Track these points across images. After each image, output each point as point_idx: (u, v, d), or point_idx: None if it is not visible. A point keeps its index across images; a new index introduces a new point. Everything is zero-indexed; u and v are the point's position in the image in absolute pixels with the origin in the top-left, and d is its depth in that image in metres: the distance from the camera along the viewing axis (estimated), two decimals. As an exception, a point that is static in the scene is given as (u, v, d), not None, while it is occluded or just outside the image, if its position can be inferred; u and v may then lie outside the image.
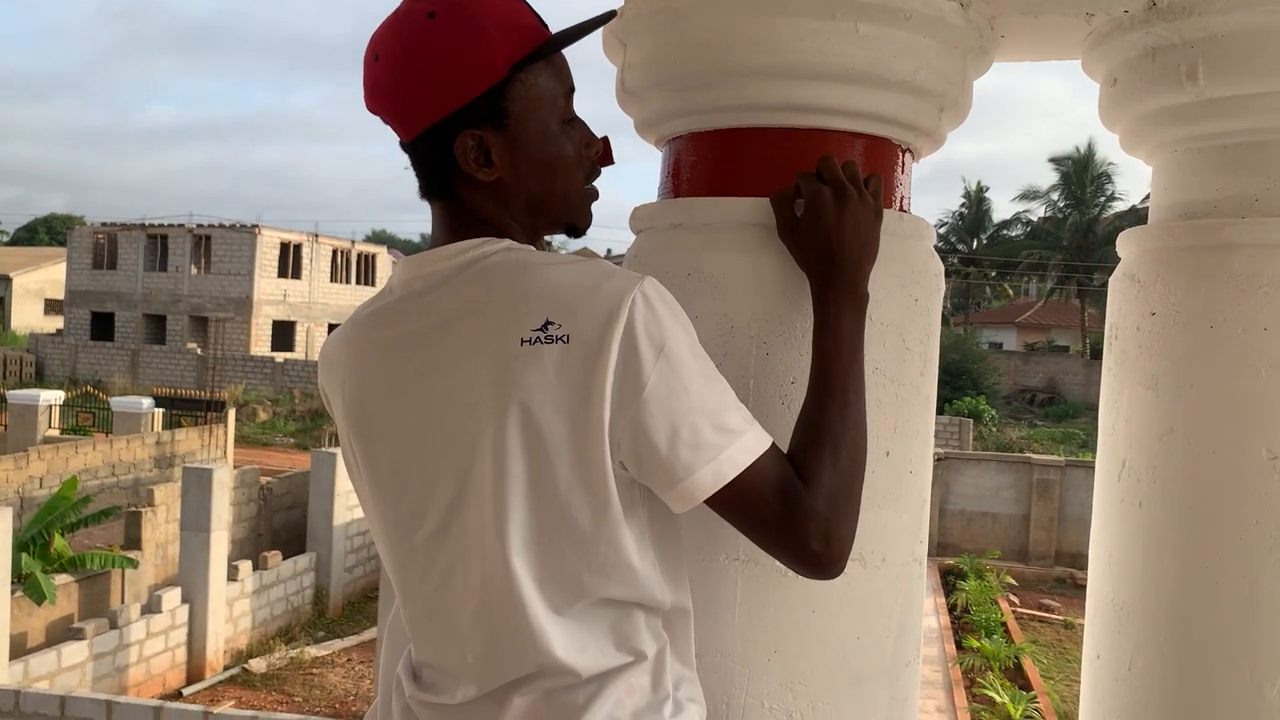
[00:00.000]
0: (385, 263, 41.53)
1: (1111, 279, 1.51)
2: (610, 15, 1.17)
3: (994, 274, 47.32)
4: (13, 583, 10.05)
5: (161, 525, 12.58)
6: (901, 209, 1.36)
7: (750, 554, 1.23)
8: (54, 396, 21.40)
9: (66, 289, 39.62)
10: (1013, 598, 15.20)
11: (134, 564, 11.65)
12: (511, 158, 1.13)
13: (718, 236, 1.29)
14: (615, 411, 1.03)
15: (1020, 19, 1.38)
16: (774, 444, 1.09)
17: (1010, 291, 48.85)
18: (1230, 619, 1.31)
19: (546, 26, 1.14)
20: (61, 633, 10.43)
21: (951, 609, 14.10)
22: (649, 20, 1.35)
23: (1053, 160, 43.02)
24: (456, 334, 1.09)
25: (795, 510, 1.07)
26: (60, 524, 11.75)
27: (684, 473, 1.04)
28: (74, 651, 9.98)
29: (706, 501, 1.06)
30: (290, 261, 38.09)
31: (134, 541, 12.29)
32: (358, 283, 40.60)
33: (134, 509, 12.74)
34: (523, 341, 1.04)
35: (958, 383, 30.10)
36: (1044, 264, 42.62)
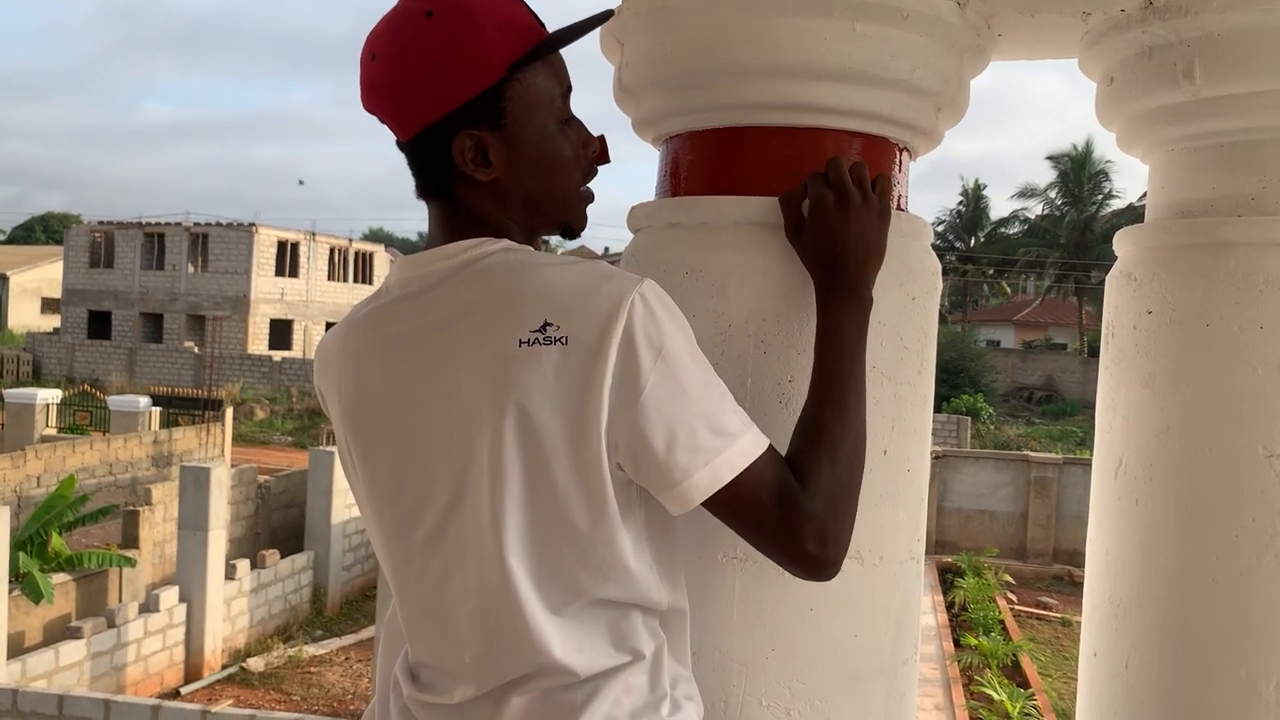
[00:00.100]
0: (382, 261, 41.51)
1: (1108, 277, 1.51)
2: (608, 14, 1.17)
3: (991, 272, 47.33)
4: (10, 582, 10.04)
5: (159, 524, 12.57)
6: (899, 207, 1.36)
7: (748, 552, 1.23)
8: (51, 395, 21.38)
9: (63, 288, 39.58)
10: (1010, 595, 15.22)
11: (131, 563, 11.64)
12: (509, 158, 1.13)
13: (715, 235, 1.29)
14: (613, 413, 1.03)
15: (1017, 18, 1.38)
16: (771, 446, 1.09)
17: (1008, 289, 48.88)
18: (1227, 616, 1.32)
19: (544, 26, 1.14)
20: (59, 632, 10.43)
21: (949, 607, 14.11)
22: (646, 19, 1.35)
23: (1050, 158, 43.06)
24: (454, 334, 1.09)
25: (792, 512, 1.07)
26: (58, 523, 11.74)
27: (681, 475, 1.04)
28: (71, 650, 9.97)
29: (704, 504, 1.07)
30: (287, 260, 38.06)
31: (131, 540, 12.28)
32: (355, 281, 40.57)
33: (131, 508, 12.73)
34: (521, 342, 1.04)
35: (955, 381, 30.12)
36: (1041, 262, 42.63)
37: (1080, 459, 17.94)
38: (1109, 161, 41.78)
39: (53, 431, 20.43)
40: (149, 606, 11.10)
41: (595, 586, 1.08)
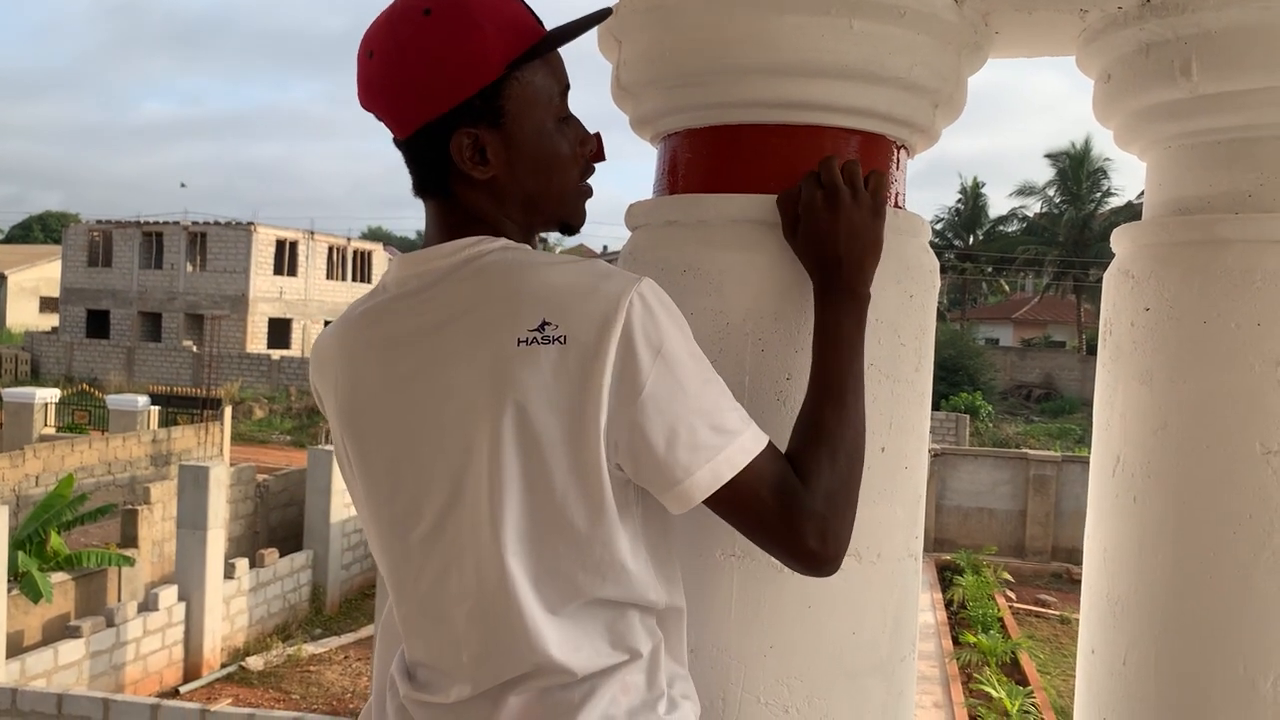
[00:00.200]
0: (381, 260, 41.49)
1: (1106, 274, 1.52)
2: (606, 13, 1.17)
3: (990, 270, 47.34)
4: (9, 581, 10.04)
5: (158, 523, 12.57)
6: (896, 205, 1.36)
7: (746, 550, 1.23)
8: (50, 394, 21.38)
9: (62, 287, 39.55)
10: (1009, 593, 15.23)
11: (130, 562, 11.64)
12: (507, 156, 1.13)
13: (713, 233, 1.29)
14: (612, 413, 1.03)
15: (1014, 15, 1.38)
16: (771, 443, 1.09)
17: (1006, 287, 48.88)
18: (1224, 613, 1.32)
19: (542, 24, 1.14)
20: (58, 631, 10.43)
21: (948, 604, 14.12)
22: (644, 17, 1.35)
23: (1049, 156, 43.09)
24: (452, 333, 1.08)
25: (792, 508, 1.08)
26: (56, 522, 11.73)
27: (682, 474, 1.05)
28: (71, 649, 9.97)
29: (705, 502, 1.07)
30: (286, 259, 38.05)
31: (130, 539, 12.28)
32: (354, 280, 40.56)
33: (130, 507, 12.73)
34: (519, 341, 1.03)
35: (954, 378, 30.12)
36: (1040, 260, 42.67)
37: (1079, 457, 17.95)
38: (1108, 159, 41.85)
39: (51, 431, 20.43)
40: (148, 605, 11.10)
41: (593, 586, 1.08)
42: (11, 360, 34.05)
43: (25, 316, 45.78)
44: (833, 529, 1.09)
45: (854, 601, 1.29)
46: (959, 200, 47.75)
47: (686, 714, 1.13)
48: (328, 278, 39.86)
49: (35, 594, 10.26)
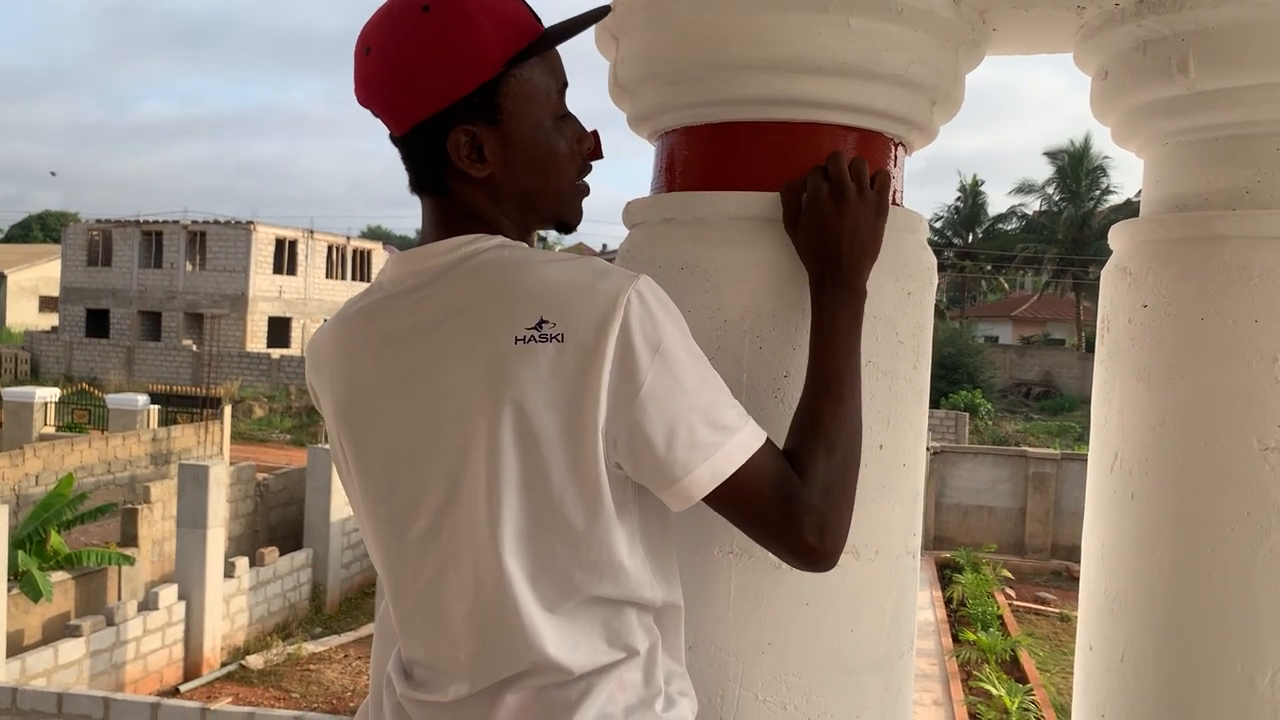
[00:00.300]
0: (381, 258, 41.45)
1: (1104, 271, 1.52)
2: (604, 10, 1.17)
3: (990, 268, 47.33)
4: (9, 580, 10.04)
5: (158, 522, 12.57)
6: (894, 202, 1.36)
7: (744, 547, 1.24)
8: (49, 394, 21.38)
9: (61, 286, 39.54)
10: (1009, 591, 15.23)
11: (130, 561, 11.64)
12: (504, 154, 1.13)
13: (711, 231, 1.29)
14: (611, 411, 1.03)
15: (1011, 12, 1.38)
16: (769, 439, 1.09)
17: (1006, 285, 48.87)
18: (1222, 609, 1.32)
19: (540, 21, 1.14)
20: (58, 630, 10.43)
21: (948, 602, 14.12)
22: (642, 15, 1.35)
23: (1048, 154, 43.11)
24: (449, 331, 1.08)
25: (791, 504, 1.08)
26: (56, 521, 11.73)
27: (682, 471, 1.05)
28: (71, 649, 9.97)
29: (704, 499, 1.07)
30: (286, 258, 38.04)
31: (130, 538, 12.28)
32: (353, 279, 40.54)
33: (130, 506, 12.73)
34: (516, 340, 1.03)
35: (954, 376, 30.14)
36: (1039, 257, 42.67)
37: (1078, 454, 17.96)
38: (1107, 157, 41.85)
39: (51, 430, 20.43)
40: (148, 604, 11.10)
41: (590, 585, 1.08)
42: (11, 359, 34.04)
43: (25, 316, 45.76)
44: (830, 524, 1.09)
45: (852, 598, 1.29)
46: (958, 198, 47.73)
47: (684, 711, 1.13)
48: (327, 277, 39.84)
49: (35, 593, 10.26)
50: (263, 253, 36.97)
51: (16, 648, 9.90)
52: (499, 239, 1.13)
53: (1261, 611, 1.30)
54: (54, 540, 11.49)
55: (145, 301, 37.80)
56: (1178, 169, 1.41)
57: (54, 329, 39.71)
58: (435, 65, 1.09)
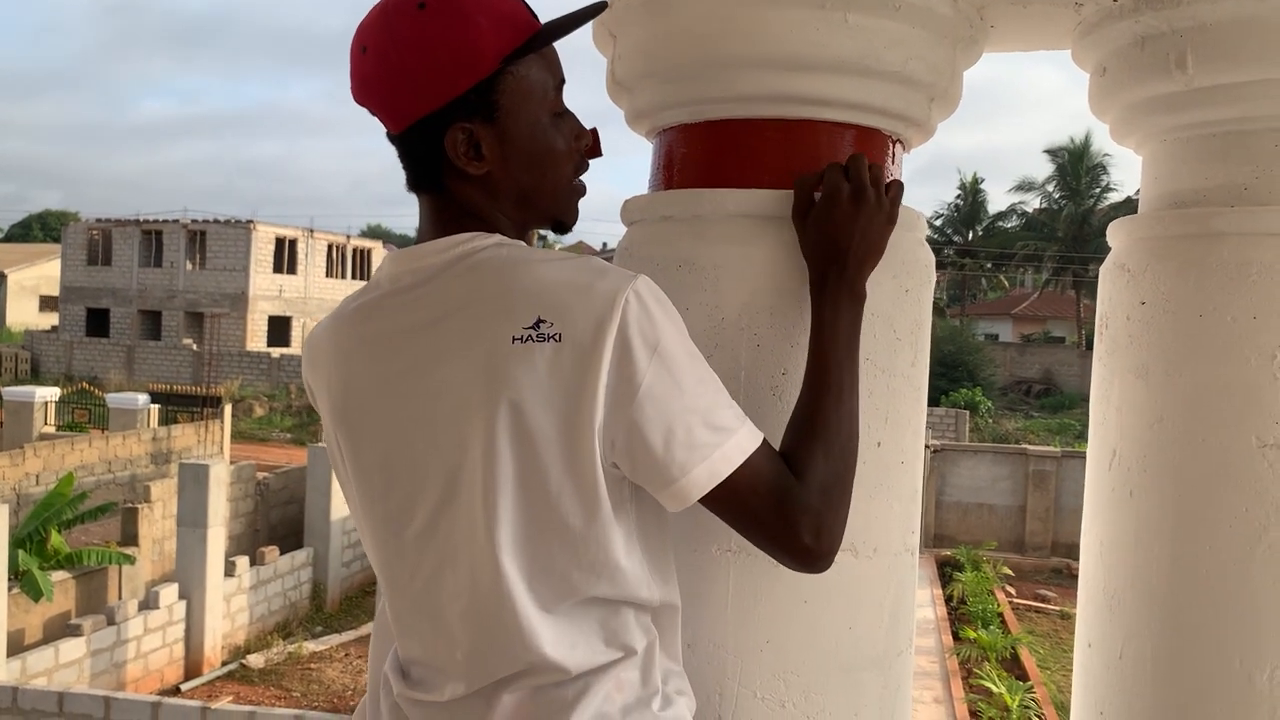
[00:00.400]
0: (380, 257, 41.43)
1: (1102, 268, 1.51)
2: (601, 6, 1.17)
3: (990, 265, 47.35)
4: (10, 579, 10.05)
5: (158, 521, 12.57)
6: (893, 200, 1.36)
7: (742, 545, 1.23)
8: (50, 393, 21.38)
9: (61, 285, 39.54)
10: (1009, 588, 15.23)
11: (131, 560, 11.65)
12: (501, 151, 1.13)
13: (709, 228, 1.29)
14: (609, 412, 1.03)
15: (1010, 8, 1.38)
16: (765, 440, 1.09)
17: (1006, 283, 48.90)
18: (1220, 607, 1.32)
19: (537, 18, 1.14)
20: (59, 629, 10.43)
21: (948, 600, 14.12)
22: (639, 11, 1.35)
23: (1048, 151, 43.14)
24: (446, 330, 1.08)
25: (787, 504, 1.08)
26: (57, 520, 11.74)
27: (679, 472, 1.04)
28: (71, 648, 9.98)
29: (700, 499, 1.07)
30: (285, 257, 38.04)
31: (131, 538, 12.29)
32: (353, 278, 40.54)
33: (130, 505, 12.73)
34: (514, 339, 1.03)
35: (954, 374, 30.14)
36: (1039, 255, 42.69)
37: (1078, 452, 17.95)
38: (1107, 155, 41.87)
39: (51, 429, 20.43)
40: (149, 604, 11.10)
41: (587, 584, 1.07)
42: (11, 359, 34.05)
43: (25, 315, 45.78)
44: (827, 525, 1.09)
45: (850, 596, 1.29)
46: (958, 196, 47.77)
47: (681, 710, 1.13)
48: (327, 275, 39.84)
49: (36, 592, 10.27)
50: (263, 252, 36.97)
51: (17, 647, 9.91)
52: (497, 237, 1.13)
53: (1260, 608, 1.30)
54: (54, 539, 11.49)
55: (145, 301, 37.80)
56: (1176, 165, 1.40)
57: (54, 328, 39.72)
58: (432, 63, 1.09)
